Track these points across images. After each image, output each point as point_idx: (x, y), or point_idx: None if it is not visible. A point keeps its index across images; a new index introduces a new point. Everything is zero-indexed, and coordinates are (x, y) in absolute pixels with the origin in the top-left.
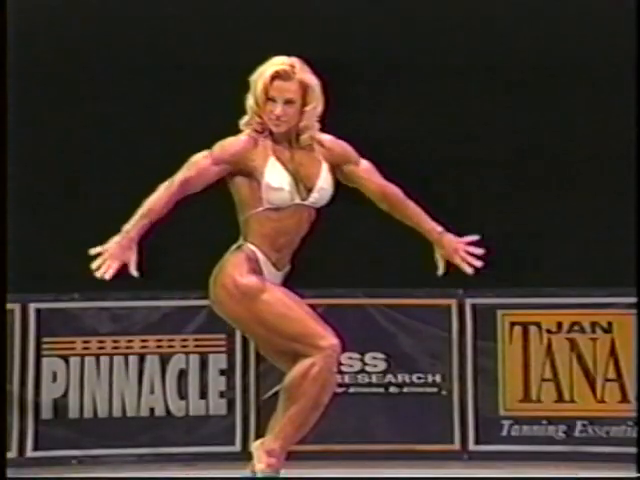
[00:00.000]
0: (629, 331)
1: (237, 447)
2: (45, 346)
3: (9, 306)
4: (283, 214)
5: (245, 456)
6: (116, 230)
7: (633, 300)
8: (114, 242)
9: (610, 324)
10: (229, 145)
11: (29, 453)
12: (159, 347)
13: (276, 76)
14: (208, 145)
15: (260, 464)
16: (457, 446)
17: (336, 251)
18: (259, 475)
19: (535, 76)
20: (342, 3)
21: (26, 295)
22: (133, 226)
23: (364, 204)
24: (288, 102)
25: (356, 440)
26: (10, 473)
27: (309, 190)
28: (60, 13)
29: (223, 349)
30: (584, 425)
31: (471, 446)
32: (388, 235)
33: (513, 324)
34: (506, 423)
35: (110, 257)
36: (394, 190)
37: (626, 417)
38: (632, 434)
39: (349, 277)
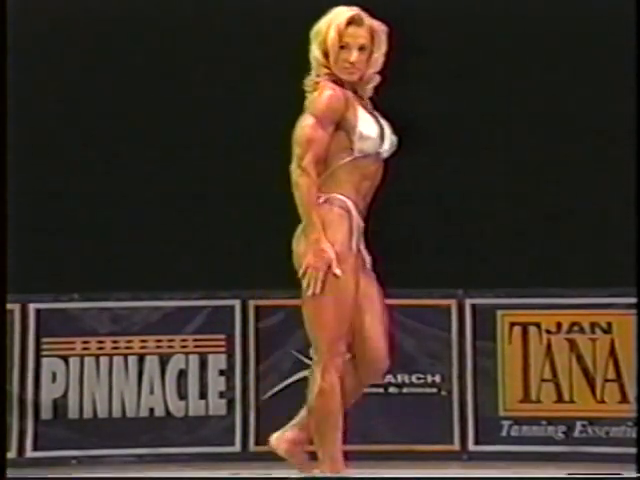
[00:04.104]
0: (629, 331)
1: (237, 447)
2: (45, 346)
3: (9, 306)
4: (368, 162)
5: (245, 456)
6: (116, 230)
7: (633, 300)
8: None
9: (610, 324)
10: (328, 104)
11: (29, 453)
12: (159, 347)
13: (351, 22)
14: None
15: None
16: (457, 446)
17: None
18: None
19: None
20: None
21: (26, 295)
22: (320, 231)
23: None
24: (361, 48)
25: (356, 440)
26: (10, 473)
27: (382, 139)
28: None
29: (223, 349)
30: (584, 425)
31: (471, 446)
32: (388, 235)
33: (513, 324)
34: (506, 423)
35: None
36: None
37: (626, 417)
38: (632, 434)
39: None
